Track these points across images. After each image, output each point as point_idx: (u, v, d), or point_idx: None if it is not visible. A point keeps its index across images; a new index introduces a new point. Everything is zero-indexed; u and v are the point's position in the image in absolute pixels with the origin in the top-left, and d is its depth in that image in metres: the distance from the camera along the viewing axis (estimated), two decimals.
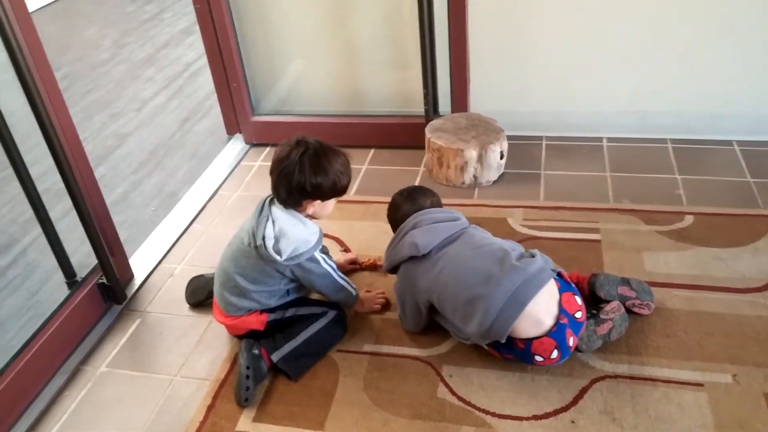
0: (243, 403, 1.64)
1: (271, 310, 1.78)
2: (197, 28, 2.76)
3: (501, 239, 1.78)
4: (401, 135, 2.75)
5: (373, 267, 2.08)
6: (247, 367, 1.66)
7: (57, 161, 1.79)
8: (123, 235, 2.16)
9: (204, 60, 4.08)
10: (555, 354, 1.59)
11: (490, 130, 2.47)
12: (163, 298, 2.06)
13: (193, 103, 3.57)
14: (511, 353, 1.63)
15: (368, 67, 2.79)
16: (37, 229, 2.44)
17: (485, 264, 1.63)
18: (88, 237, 1.93)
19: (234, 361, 1.79)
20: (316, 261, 1.72)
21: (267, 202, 1.71)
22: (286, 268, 1.69)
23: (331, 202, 1.73)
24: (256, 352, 1.70)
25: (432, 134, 2.47)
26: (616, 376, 1.65)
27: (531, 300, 1.57)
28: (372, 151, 2.77)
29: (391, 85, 2.80)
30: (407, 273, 1.77)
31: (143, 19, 5.10)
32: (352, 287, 1.85)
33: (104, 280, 1.97)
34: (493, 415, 1.59)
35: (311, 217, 1.73)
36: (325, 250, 1.90)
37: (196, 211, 2.47)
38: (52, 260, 1.95)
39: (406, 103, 2.79)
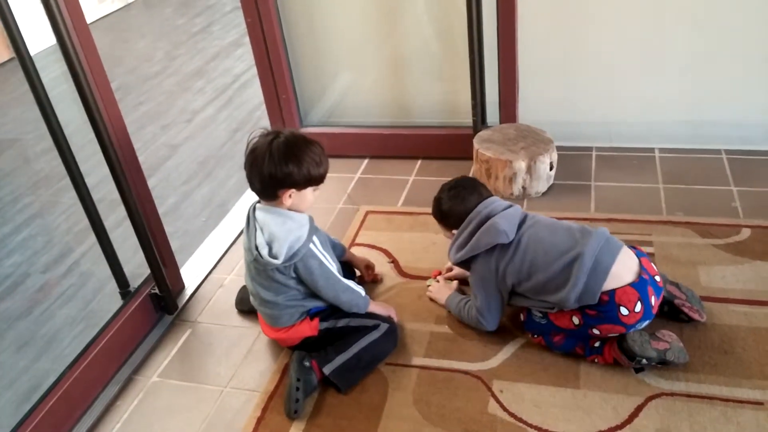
0: (292, 415, 1.64)
1: (323, 318, 1.78)
2: (245, 40, 2.82)
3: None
4: (448, 146, 2.73)
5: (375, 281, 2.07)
6: (298, 379, 1.67)
7: (113, 172, 1.83)
8: (174, 245, 2.20)
9: (252, 72, 4.17)
10: (639, 307, 1.59)
11: (540, 140, 2.44)
12: (213, 308, 2.09)
13: (242, 114, 3.63)
14: (596, 308, 1.62)
15: (415, 78, 2.78)
16: (90, 240, 2.52)
17: (568, 235, 1.69)
18: (141, 248, 1.96)
19: (283, 373, 1.80)
20: (317, 258, 1.68)
21: (251, 211, 1.71)
22: (289, 270, 1.68)
23: (308, 192, 1.68)
24: (307, 364, 1.70)
25: (480, 145, 2.45)
26: (672, 394, 1.60)
27: (618, 254, 1.62)
28: (419, 162, 2.76)
29: (438, 96, 2.79)
30: (489, 262, 1.73)
31: (193, 31, 5.22)
32: (361, 289, 1.82)
33: (156, 291, 2.00)
34: None
35: (293, 209, 1.70)
36: (334, 241, 1.85)
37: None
38: (104, 270, 1.99)
39: (453, 114, 2.78)
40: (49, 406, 1.65)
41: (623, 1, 2.38)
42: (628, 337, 1.63)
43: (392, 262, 2.18)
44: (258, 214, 1.69)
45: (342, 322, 1.79)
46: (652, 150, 2.60)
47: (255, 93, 3.84)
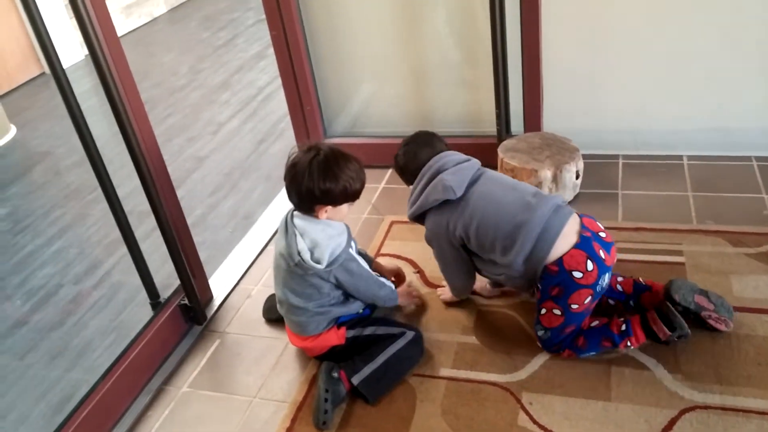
0: (321, 426, 1.65)
1: (350, 326, 1.79)
2: (268, 52, 2.85)
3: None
4: (472, 155, 2.70)
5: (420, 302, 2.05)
6: (326, 390, 1.67)
7: (144, 184, 1.85)
8: (202, 256, 2.22)
9: (276, 83, 4.21)
10: (591, 265, 1.63)
11: (565, 149, 2.43)
12: (241, 318, 2.11)
13: (266, 126, 3.66)
14: (551, 281, 1.66)
15: (438, 88, 2.79)
16: (120, 251, 2.56)
17: (520, 197, 1.72)
18: (171, 259, 1.99)
19: (311, 384, 1.80)
20: (356, 261, 1.74)
21: (288, 218, 1.74)
22: (329, 275, 1.70)
23: (344, 207, 1.72)
24: (335, 375, 1.71)
25: (505, 154, 2.44)
26: (706, 407, 1.57)
27: (565, 225, 1.66)
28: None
29: (461, 106, 2.79)
30: (439, 218, 1.78)
31: (217, 45, 5.29)
32: (387, 282, 1.88)
33: (186, 302, 2.02)
34: None
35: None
36: (361, 251, 1.89)
37: (272, 232, 2.52)
38: (134, 281, 2.02)
39: (476, 124, 2.78)
40: (81, 417, 1.67)
41: (650, 7, 2.36)
42: (672, 285, 1.72)
43: (418, 272, 2.18)
44: (297, 221, 1.71)
45: (368, 330, 1.80)
46: (680, 157, 2.57)
47: (279, 105, 3.88)
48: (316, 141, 1.72)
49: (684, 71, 2.44)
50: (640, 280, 1.84)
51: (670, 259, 2.05)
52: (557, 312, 1.69)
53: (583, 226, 1.69)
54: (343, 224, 1.74)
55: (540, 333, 1.76)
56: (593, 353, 1.74)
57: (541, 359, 1.78)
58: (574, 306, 1.68)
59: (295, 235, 1.69)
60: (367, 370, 1.72)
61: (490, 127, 2.65)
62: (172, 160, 3.31)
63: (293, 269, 1.70)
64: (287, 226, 1.73)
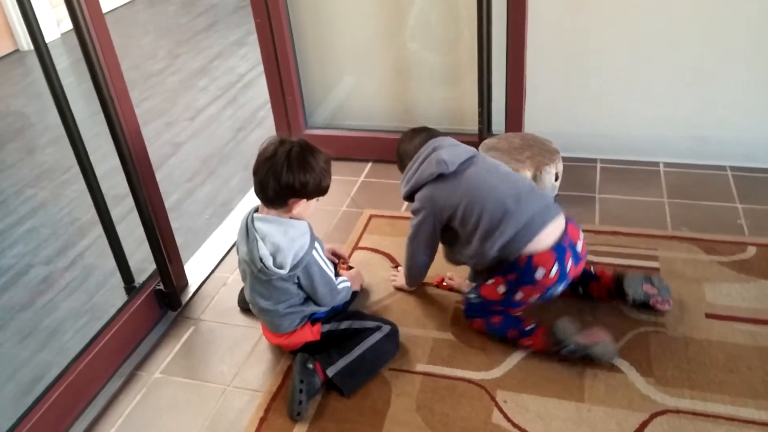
0: (295, 417, 1.64)
1: (325, 320, 1.79)
2: (249, 39, 2.81)
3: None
4: None
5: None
6: (301, 381, 1.66)
7: (124, 164, 1.82)
8: (178, 241, 2.19)
9: (256, 71, 4.17)
10: (554, 270, 1.69)
11: (545, 150, 2.44)
12: (216, 306, 2.08)
13: (246, 114, 3.62)
14: (515, 271, 1.71)
15: (421, 83, 2.79)
16: (94, 233, 2.51)
17: (514, 184, 1.78)
18: (148, 242, 1.96)
19: (286, 374, 1.79)
20: (318, 264, 1.70)
21: (249, 221, 1.69)
22: (292, 277, 1.69)
23: (314, 203, 1.71)
24: (310, 366, 1.70)
25: (485, 153, 2.45)
26: (677, 411, 1.60)
27: (549, 224, 1.70)
28: None
29: (443, 102, 2.80)
30: (431, 192, 1.80)
31: (197, 29, 5.20)
32: (345, 281, 1.87)
33: (161, 287, 1.99)
34: None
35: (295, 218, 1.70)
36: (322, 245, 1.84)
37: None
38: (108, 263, 1.99)
39: (458, 121, 2.79)
40: (52, 399, 1.64)
41: (633, 14, 2.39)
42: (557, 321, 1.74)
43: (396, 267, 2.17)
44: (257, 224, 1.67)
45: (344, 325, 1.80)
46: (656, 164, 2.62)
47: (259, 92, 3.84)
48: (280, 135, 1.70)
49: (665, 79, 2.48)
50: (591, 268, 1.92)
51: (645, 264, 2.08)
52: (501, 290, 1.76)
53: (564, 232, 1.74)
54: (305, 224, 1.70)
55: (471, 296, 1.82)
56: (498, 334, 1.81)
57: (516, 358, 1.79)
58: (518, 296, 1.75)
59: (257, 240, 1.65)
60: (342, 363, 1.72)
61: (472, 125, 2.66)
62: (149, 144, 3.17)
63: (257, 275, 1.68)
64: (248, 230, 1.69)
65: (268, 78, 2.85)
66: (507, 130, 2.66)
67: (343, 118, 2.97)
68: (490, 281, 1.77)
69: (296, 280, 1.70)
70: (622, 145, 2.65)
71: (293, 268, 1.65)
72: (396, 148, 1.98)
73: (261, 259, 1.64)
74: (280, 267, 1.63)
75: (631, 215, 2.33)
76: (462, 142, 2.64)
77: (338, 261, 2.05)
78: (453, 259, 1.95)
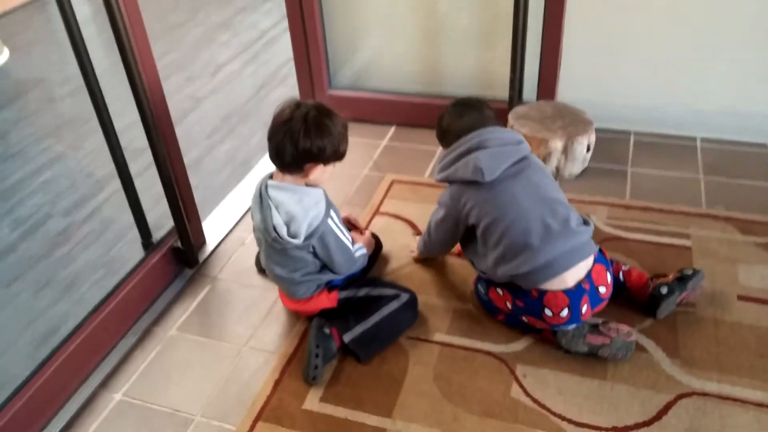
0: (311, 381, 1.61)
1: (343, 287, 1.75)
2: None
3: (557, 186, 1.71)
4: None
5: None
6: (317, 346, 1.63)
7: (143, 118, 1.77)
8: (196, 199, 2.15)
9: (279, 28, 4.08)
10: (565, 313, 1.56)
11: (578, 121, 2.36)
12: (234, 266, 2.05)
13: (268, 71, 3.55)
14: (524, 300, 1.61)
15: (450, 45, 2.69)
16: (112, 186, 2.48)
17: (548, 215, 1.59)
18: (167, 199, 1.92)
19: (302, 337, 1.76)
20: (334, 233, 1.65)
21: (263, 189, 1.63)
22: (308, 246, 1.63)
23: (330, 168, 1.64)
24: (326, 331, 1.66)
25: (515, 121, 2.37)
26: (704, 394, 1.55)
27: (572, 268, 1.56)
28: None
29: (472, 66, 2.70)
30: (461, 193, 1.67)
31: None
32: (362, 248, 1.81)
33: (179, 244, 1.96)
34: (570, 422, 1.51)
35: (310, 184, 1.64)
36: (338, 212, 1.75)
37: None
38: (126, 218, 1.96)
39: (487, 86, 2.70)
40: (68, 351, 1.63)
41: None
42: (563, 331, 1.63)
43: (417, 234, 2.12)
44: (272, 192, 1.61)
45: (362, 292, 1.75)
46: (693, 139, 2.52)
47: (281, 50, 3.76)
48: (296, 98, 1.63)
49: (708, 50, 2.36)
50: (620, 275, 1.76)
51: (676, 242, 2.01)
52: (508, 305, 1.67)
53: (588, 276, 1.59)
54: (320, 191, 1.64)
55: (480, 288, 1.76)
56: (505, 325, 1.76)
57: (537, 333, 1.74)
58: (524, 319, 1.67)
59: (270, 209, 1.60)
60: (359, 329, 1.68)
61: (502, 91, 2.57)
62: (169, 99, 3.12)
63: (272, 243, 1.63)
64: (261, 198, 1.64)
65: (293, 35, 2.77)
66: (539, 98, 2.57)
67: (367, 80, 2.89)
68: (500, 290, 1.69)
69: (311, 249, 1.65)
70: (658, 117, 2.55)
71: (308, 237, 1.59)
72: (439, 117, 1.79)
73: (275, 228, 1.59)
74: (294, 236, 1.58)
75: (663, 191, 2.25)
76: (491, 109, 2.59)
77: (352, 229, 1.99)
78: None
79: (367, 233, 1.96)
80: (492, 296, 1.72)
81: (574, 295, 1.56)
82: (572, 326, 1.61)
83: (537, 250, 1.55)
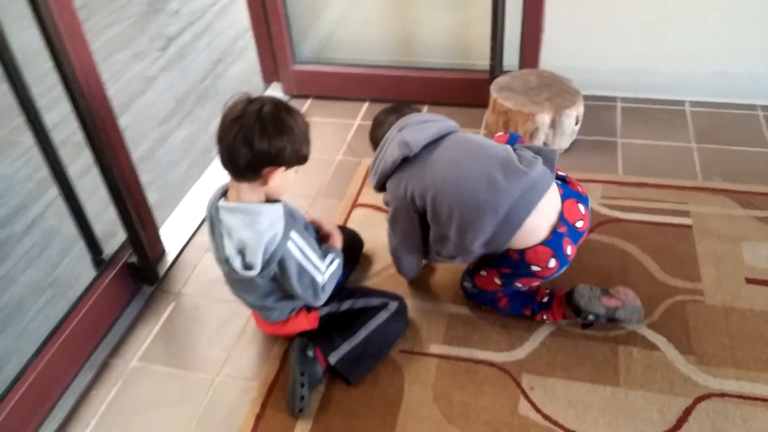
0: (297, 413, 1.44)
1: (323, 304, 1.56)
2: None
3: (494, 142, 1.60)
4: (460, 91, 2.46)
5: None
6: (301, 373, 1.45)
7: (77, 111, 1.50)
8: (152, 199, 1.92)
9: None
10: (552, 263, 1.47)
11: (565, 91, 2.18)
12: (199, 277, 1.85)
13: (224, 43, 3.26)
14: (507, 265, 1.51)
15: (423, 9, 2.46)
16: (55, 189, 2.21)
17: (487, 166, 1.47)
18: (116, 208, 1.69)
19: (283, 359, 1.58)
20: (295, 260, 1.39)
21: (213, 212, 1.42)
22: (269, 274, 1.41)
23: (291, 173, 1.40)
24: (310, 354, 1.49)
25: (499, 94, 2.18)
26: (723, 395, 1.44)
27: (534, 209, 1.44)
28: (425, 108, 2.49)
29: (447, 32, 2.48)
30: (398, 180, 1.53)
31: None
32: (334, 257, 1.51)
33: (134, 260, 1.75)
34: None
35: (271, 194, 1.41)
36: (303, 227, 1.50)
37: None
38: (72, 227, 1.71)
39: (465, 54, 2.50)
40: (15, 399, 1.41)
41: None
42: (575, 291, 1.55)
43: None
44: (223, 216, 1.39)
45: (345, 305, 1.58)
46: (682, 103, 2.37)
47: (237, 18, 3.46)
48: (247, 93, 1.38)
49: (695, 10, 2.21)
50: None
51: (676, 221, 1.88)
52: (497, 281, 1.55)
53: (561, 217, 1.47)
54: (278, 208, 1.39)
55: (467, 285, 1.64)
56: (511, 314, 1.64)
57: (541, 334, 1.60)
58: (518, 284, 1.56)
59: (222, 237, 1.39)
60: (345, 348, 1.51)
61: (480, 59, 2.38)
62: (114, 81, 2.90)
63: (230, 274, 1.43)
64: (212, 223, 1.42)
65: (250, 1, 2.50)
66: (521, 66, 2.38)
67: (335, 50, 2.65)
68: (482, 272, 1.56)
69: (271, 277, 1.43)
70: (645, 81, 2.39)
71: (265, 266, 1.36)
72: (369, 134, 1.72)
73: (227, 260, 1.38)
74: (249, 267, 1.36)
75: (656, 163, 2.11)
76: (471, 80, 2.40)
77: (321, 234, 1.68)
78: (435, 260, 1.67)
79: (332, 226, 1.64)
80: (480, 284, 1.59)
81: (554, 243, 1.46)
82: (563, 269, 1.51)
83: (491, 204, 1.42)
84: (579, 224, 1.50)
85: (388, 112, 1.68)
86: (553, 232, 1.46)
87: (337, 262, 1.52)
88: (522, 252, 1.46)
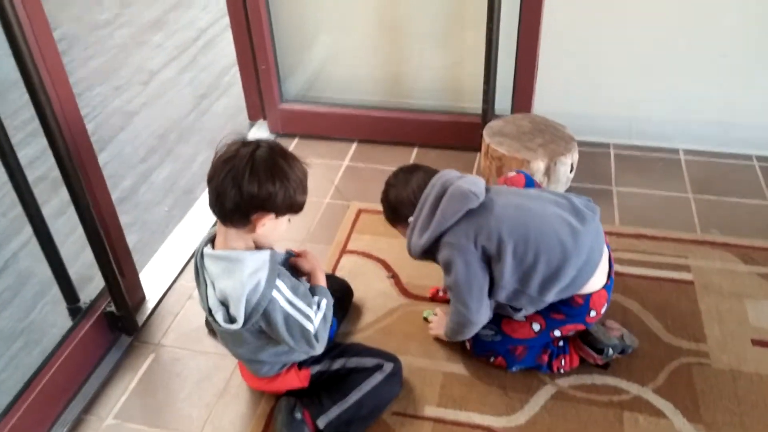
0: None
1: (314, 362, 1.47)
2: None
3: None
4: (450, 133, 2.42)
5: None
6: None
7: (54, 148, 1.40)
8: (131, 241, 1.83)
9: (219, 26, 3.73)
10: (604, 308, 1.49)
11: (559, 137, 2.14)
12: (180, 327, 1.75)
13: (209, 78, 3.19)
14: (563, 311, 1.47)
15: (415, 51, 2.42)
16: (30, 228, 2.11)
17: (557, 210, 1.45)
18: (94, 254, 1.59)
19: (269, 419, 1.49)
20: (282, 311, 1.30)
21: (198, 260, 1.35)
22: (254, 328, 1.32)
23: (284, 222, 1.32)
24: (298, 416, 1.40)
25: (491, 139, 2.14)
26: None
27: (602, 257, 1.45)
28: (415, 149, 2.44)
29: (439, 73, 2.44)
30: (464, 231, 1.41)
31: None
32: (322, 297, 1.41)
33: (113, 308, 1.65)
34: None
35: (259, 242, 1.33)
36: (288, 272, 1.39)
37: None
38: (47, 270, 1.61)
39: (456, 97, 2.45)
40: None
41: None
42: (590, 331, 1.53)
43: (392, 276, 1.87)
44: (207, 263, 1.31)
45: (337, 364, 1.49)
46: (676, 151, 2.35)
47: (223, 52, 3.41)
48: (243, 134, 1.31)
49: (688, 58, 2.19)
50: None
51: (677, 276, 1.83)
52: (536, 328, 1.49)
53: (610, 264, 1.51)
54: (262, 256, 1.29)
55: (486, 332, 1.52)
56: (523, 367, 1.56)
57: (542, 398, 1.52)
58: (557, 333, 1.51)
59: (206, 286, 1.32)
60: (335, 411, 1.42)
61: (471, 102, 2.34)
62: (95, 114, 2.82)
63: (215, 325, 1.33)
64: (198, 269, 1.35)
65: (236, 36, 2.45)
66: (513, 110, 2.34)
67: (322, 90, 2.59)
68: (520, 317, 1.49)
69: (259, 329, 1.34)
70: (639, 128, 2.37)
71: (248, 318, 1.27)
72: (384, 197, 1.58)
73: (210, 312, 1.30)
74: (233, 321, 1.27)
75: (653, 213, 2.07)
76: (463, 123, 2.36)
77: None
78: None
79: (320, 273, 1.49)
80: (509, 331, 1.51)
81: (610, 288, 1.50)
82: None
83: (573, 248, 1.40)
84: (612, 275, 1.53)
85: (410, 171, 1.56)
86: (609, 277, 1.48)
87: (326, 304, 1.40)
88: (588, 297, 1.45)
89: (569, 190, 2.17)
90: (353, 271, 1.88)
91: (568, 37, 2.23)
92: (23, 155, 1.41)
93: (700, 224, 2.02)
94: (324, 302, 1.40)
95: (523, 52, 2.22)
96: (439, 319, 1.67)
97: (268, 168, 1.24)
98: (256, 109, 2.62)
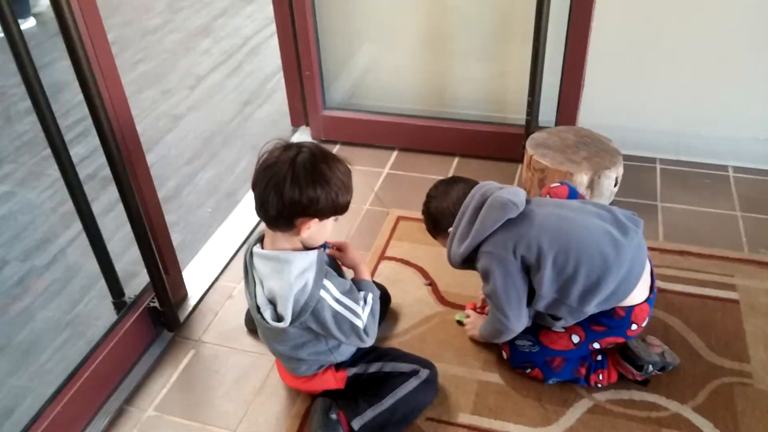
0: None
1: (351, 364, 1.49)
2: None
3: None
4: (492, 144, 2.41)
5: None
6: None
7: (105, 146, 1.44)
8: (175, 239, 1.87)
9: (264, 34, 3.79)
10: (646, 322, 1.48)
11: (604, 150, 2.12)
12: (220, 325, 1.78)
13: (253, 85, 3.25)
14: (604, 323, 1.46)
15: (459, 61, 2.43)
16: (79, 223, 2.17)
17: (600, 222, 1.44)
18: (140, 251, 1.63)
19: (304, 418, 1.50)
20: (330, 309, 1.32)
21: (248, 258, 1.38)
22: (303, 326, 1.34)
23: (329, 223, 1.33)
24: (334, 416, 1.41)
25: (535, 151, 2.13)
26: None
27: (645, 269, 1.45)
28: (456, 159, 2.44)
29: (482, 84, 2.44)
30: (503, 240, 1.41)
31: None
32: (368, 291, 1.42)
33: (156, 303, 1.68)
34: None
35: (306, 243, 1.34)
36: (334, 271, 1.39)
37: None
38: (95, 264, 1.65)
39: (499, 107, 2.45)
40: None
41: (709, 4, 2.05)
42: (628, 345, 1.51)
43: (430, 284, 1.87)
44: (256, 263, 1.34)
45: (374, 367, 1.49)
46: (725, 168, 2.30)
47: (267, 59, 3.47)
48: (285, 139, 1.32)
49: (741, 74, 2.15)
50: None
51: (722, 295, 1.79)
52: (576, 339, 1.47)
53: (652, 278, 1.50)
54: (309, 256, 1.30)
55: (523, 343, 1.52)
56: (560, 380, 1.54)
57: (578, 410, 1.50)
58: (596, 346, 1.49)
59: (255, 283, 1.34)
60: (370, 414, 1.43)
61: (515, 113, 2.33)
62: (143, 116, 2.89)
63: (262, 323, 1.35)
64: (247, 270, 1.37)
65: (282, 44, 2.49)
66: (558, 123, 2.32)
67: (365, 97, 2.62)
68: (559, 328, 1.48)
69: (308, 326, 1.35)
70: (687, 144, 2.33)
71: (296, 317, 1.29)
72: (425, 209, 1.60)
73: (259, 309, 1.32)
74: (280, 319, 1.29)
75: (699, 230, 2.03)
76: (505, 134, 2.36)
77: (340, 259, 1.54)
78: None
79: (364, 267, 1.51)
80: (548, 342, 1.50)
81: (652, 302, 1.48)
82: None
83: (615, 260, 1.39)
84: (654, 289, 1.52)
85: (450, 183, 1.58)
86: (652, 290, 1.47)
87: (372, 298, 1.41)
88: (630, 309, 1.43)
89: (612, 204, 2.14)
90: (391, 278, 1.88)
91: (616, 51, 2.20)
92: (74, 154, 1.45)
93: (748, 243, 1.97)
94: (370, 296, 1.41)
95: (570, 64, 2.21)
96: (474, 320, 1.68)
97: (309, 174, 1.24)
98: (299, 115, 2.66)
